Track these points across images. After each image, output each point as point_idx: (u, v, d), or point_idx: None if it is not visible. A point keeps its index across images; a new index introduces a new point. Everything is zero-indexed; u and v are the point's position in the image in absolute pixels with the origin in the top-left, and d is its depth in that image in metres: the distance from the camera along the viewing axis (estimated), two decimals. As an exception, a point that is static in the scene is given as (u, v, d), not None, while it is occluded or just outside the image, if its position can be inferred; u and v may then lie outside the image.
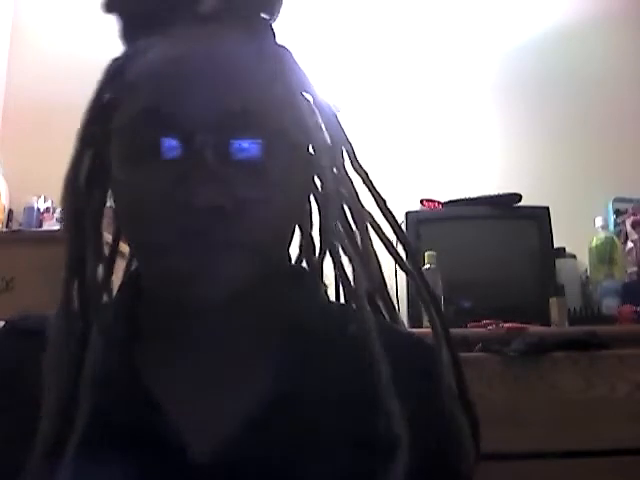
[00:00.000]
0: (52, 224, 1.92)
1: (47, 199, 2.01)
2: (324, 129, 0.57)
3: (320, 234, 0.61)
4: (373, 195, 0.61)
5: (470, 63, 2.20)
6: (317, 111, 0.57)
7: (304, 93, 0.57)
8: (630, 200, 1.94)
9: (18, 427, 0.53)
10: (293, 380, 0.54)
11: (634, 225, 1.82)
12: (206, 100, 0.49)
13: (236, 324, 0.55)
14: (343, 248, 0.57)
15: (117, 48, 0.58)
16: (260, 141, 0.50)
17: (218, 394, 0.54)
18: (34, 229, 1.93)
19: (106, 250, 0.60)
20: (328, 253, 0.59)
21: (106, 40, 0.67)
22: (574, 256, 1.86)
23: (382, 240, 0.62)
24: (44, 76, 2.18)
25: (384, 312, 0.64)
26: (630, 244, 1.81)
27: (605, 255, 1.80)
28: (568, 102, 2.14)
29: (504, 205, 1.80)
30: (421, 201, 1.87)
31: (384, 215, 0.62)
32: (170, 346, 0.56)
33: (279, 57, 0.56)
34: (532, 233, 1.77)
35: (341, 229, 0.58)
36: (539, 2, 2.23)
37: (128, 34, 0.57)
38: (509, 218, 1.81)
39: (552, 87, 2.16)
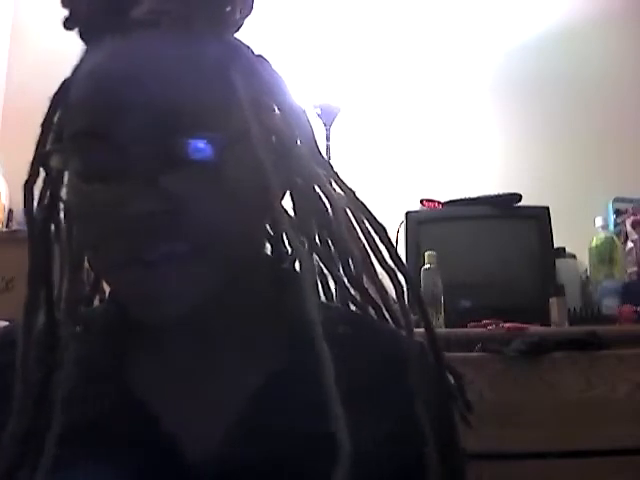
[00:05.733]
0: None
1: (47, 199, 2.01)
2: (287, 126, 0.55)
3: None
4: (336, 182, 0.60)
5: (470, 63, 2.20)
6: (279, 109, 0.55)
7: (263, 93, 0.54)
8: (630, 200, 1.94)
9: None
10: (284, 380, 0.54)
11: (634, 225, 1.82)
12: (135, 110, 0.47)
13: (218, 327, 0.55)
14: (320, 239, 0.58)
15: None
16: (200, 141, 0.48)
17: (208, 394, 0.54)
18: (34, 229, 1.92)
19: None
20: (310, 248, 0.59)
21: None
22: (574, 256, 1.86)
23: (358, 225, 0.61)
24: (44, 76, 2.17)
25: (378, 301, 0.63)
26: (630, 244, 1.81)
27: (605, 255, 1.80)
28: (568, 102, 2.14)
29: (504, 205, 1.80)
30: (421, 201, 1.87)
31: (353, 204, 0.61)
32: (157, 346, 0.56)
33: (227, 57, 0.52)
34: (532, 233, 1.77)
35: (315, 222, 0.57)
36: (539, 2, 2.23)
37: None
38: (509, 218, 1.81)
39: (552, 87, 2.16)
